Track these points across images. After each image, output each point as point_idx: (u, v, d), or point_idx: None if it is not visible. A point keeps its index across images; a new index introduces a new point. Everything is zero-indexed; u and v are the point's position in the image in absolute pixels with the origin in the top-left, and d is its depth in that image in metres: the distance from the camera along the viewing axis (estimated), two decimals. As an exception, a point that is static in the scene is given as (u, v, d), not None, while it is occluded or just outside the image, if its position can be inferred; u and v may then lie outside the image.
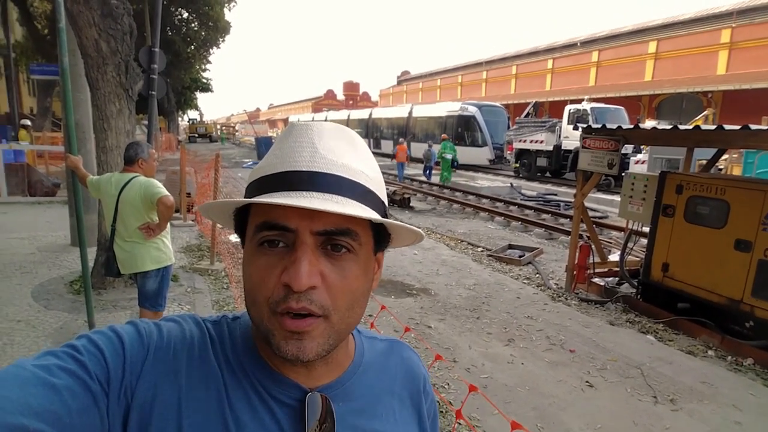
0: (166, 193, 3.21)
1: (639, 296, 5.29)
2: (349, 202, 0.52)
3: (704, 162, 7.01)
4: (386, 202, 0.60)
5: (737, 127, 4.10)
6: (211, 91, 36.96)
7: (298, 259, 0.50)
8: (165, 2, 7.62)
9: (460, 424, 2.98)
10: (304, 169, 0.52)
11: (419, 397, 0.70)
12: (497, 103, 23.82)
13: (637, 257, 6.31)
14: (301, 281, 0.49)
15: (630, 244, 5.79)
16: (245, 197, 0.57)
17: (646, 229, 5.44)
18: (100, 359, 0.50)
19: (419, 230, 0.61)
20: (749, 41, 20.69)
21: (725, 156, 11.78)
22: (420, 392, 0.70)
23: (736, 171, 11.87)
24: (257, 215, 0.54)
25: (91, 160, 5.79)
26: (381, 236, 0.59)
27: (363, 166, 0.56)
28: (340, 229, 0.52)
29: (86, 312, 3.77)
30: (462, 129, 22.12)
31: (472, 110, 21.80)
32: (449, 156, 15.83)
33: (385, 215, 0.57)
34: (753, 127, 4.01)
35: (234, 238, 7.81)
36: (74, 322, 4.12)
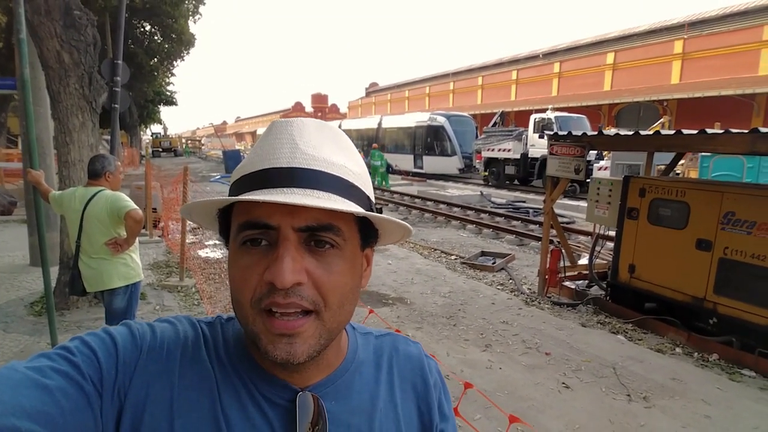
0: (135, 206, 3.11)
1: (608, 298, 5.43)
2: (331, 197, 0.52)
3: (663, 167, 7.30)
4: (372, 198, 0.59)
5: (695, 132, 4.30)
6: (176, 104, 36.24)
7: (281, 256, 0.50)
8: (127, 15, 7.44)
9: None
10: (284, 166, 0.52)
11: (424, 389, 0.68)
12: (465, 113, 24.24)
13: (605, 260, 6.49)
14: (284, 278, 0.48)
15: (598, 248, 5.95)
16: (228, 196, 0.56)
17: (612, 233, 5.61)
18: (93, 360, 0.50)
19: (406, 224, 0.60)
20: (700, 52, 21.79)
21: (681, 161, 12.33)
22: (425, 383, 0.68)
23: (693, 174, 12.41)
24: (239, 215, 0.53)
25: (51, 176, 5.58)
26: (367, 231, 0.58)
27: (346, 160, 0.55)
28: (322, 224, 0.51)
29: (49, 334, 3.60)
30: (431, 139, 22.39)
31: (441, 120, 22.11)
32: (377, 163, 17.77)
33: (371, 210, 0.56)
34: (709, 131, 4.21)
35: (203, 253, 7.63)
36: (36, 344, 3.93)
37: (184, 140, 56.29)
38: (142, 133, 41.94)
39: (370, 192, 0.58)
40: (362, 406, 0.61)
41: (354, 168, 0.56)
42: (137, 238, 3.25)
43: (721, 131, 4.19)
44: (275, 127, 0.56)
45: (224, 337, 0.59)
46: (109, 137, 7.02)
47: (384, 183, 17.83)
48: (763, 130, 3.84)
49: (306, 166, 0.52)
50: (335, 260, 0.53)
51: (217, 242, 8.45)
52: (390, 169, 19.66)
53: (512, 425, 1.92)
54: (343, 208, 0.50)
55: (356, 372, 0.63)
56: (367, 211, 0.55)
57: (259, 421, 0.55)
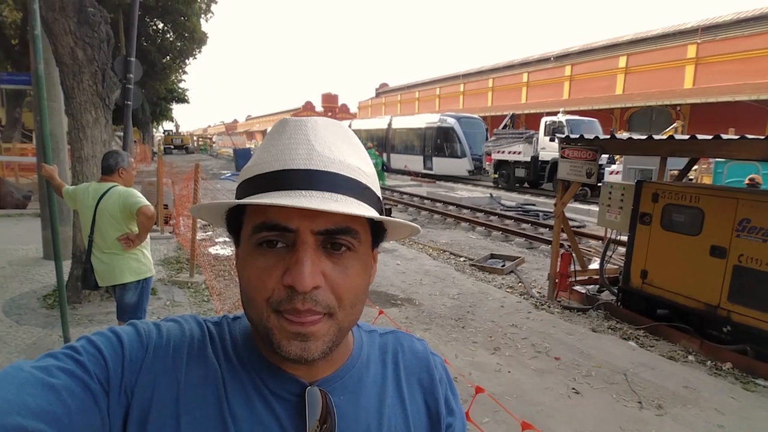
0: (147, 202, 3.13)
1: (619, 303, 5.38)
2: (348, 200, 0.52)
3: (675, 172, 7.23)
4: (381, 197, 0.59)
5: (710, 137, 4.24)
6: (188, 101, 36.56)
7: (301, 260, 0.50)
8: (140, 12, 7.51)
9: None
10: (301, 168, 0.52)
11: (431, 384, 0.68)
12: (475, 115, 24.16)
13: (616, 265, 6.43)
14: (305, 282, 0.49)
15: (609, 252, 5.89)
16: (238, 196, 0.56)
17: (624, 238, 5.55)
18: (99, 359, 0.50)
19: (416, 225, 0.61)
20: (713, 56, 21.53)
21: (695, 166, 12.21)
22: (431, 379, 0.68)
23: (706, 180, 12.27)
24: (255, 215, 0.53)
25: (65, 171, 5.64)
26: (377, 231, 0.59)
27: (359, 162, 0.55)
28: (341, 227, 0.52)
29: (61, 326, 3.63)
30: (441, 140, 22.33)
31: (451, 122, 22.04)
32: (372, 161, 19.03)
33: (380, 210, 0.57)
34: (724, 136, 4.15)
35: (214, 250, 7.67)
36: (48, 337, 3.97)
37: (195, 138, 56.78)
38: (154, 130, 42.32)
39: (378, 192, 0.59)
40: (370, 401, 0.61)
41: (366, 169, 0.56)
42: (149, 234, 3.27)
43: (736, 137, 4.13)
44: (288, 126, 0.56)
45: (231, 335, 0.59)
46: (122, 134, 7.08)
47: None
48: (782, 136, 3.78)
49: (323, 169, 0.52)
50: (350, 262, 0.54)
51: (227, 239, 8.48)
52: (384, 167, 20.65)
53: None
54: (365, 213, 0.51)
55: (363, 368, 0.63)
56: (378, 211, 0.55)
57: (267, 416, 0.55)
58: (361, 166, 0.55)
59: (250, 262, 0.53)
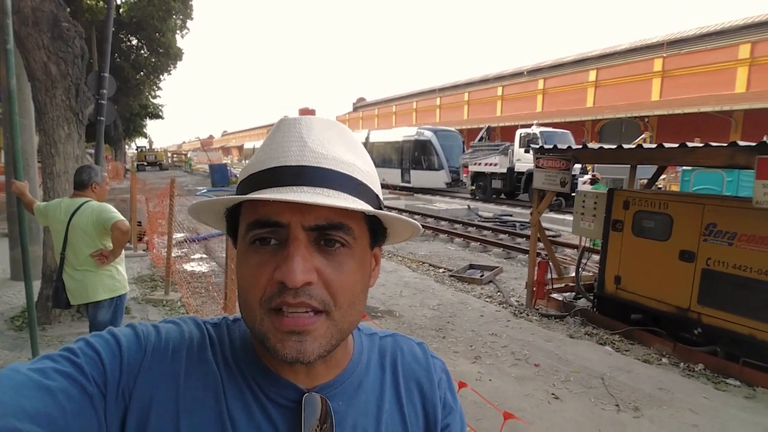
0: (121, 217, 3.08)
1: (595, 309, 5.48)
2: (341, 195, 0.51)
3: (645, 181, 7.46)
4: (380, 196, 0.59)
5: (676, 146, 4.40)
6: (162, 117, 36.06)
7: (291, 255, 0.49)
8: (114, 28, 7.46)
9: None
10: (293, 164, 0.51)
11: (430, 388, 0.67)
12: (452, 128, 24.49)
13: (591, 272, 6.56)
14: (295, 277, 0.48)
15: (584, 260, 6.02)
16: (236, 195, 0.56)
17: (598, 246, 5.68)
18: (96, 361, 0.50)
19: (416, 222, 0.60)
20: (679, 70, 22.39)
21: (663, 175, 12.60)
22: (431, 382, 0.68)
23: (675, 189, 12.67)
24: (248, 213, 0.52)
25: (35, 188, 5.50)
26: (377, 230, 0.58)
27: (355, 158, 0.55)
28: (332, 223, 0.51)
29: (30, 349, 3.51)
30: (419, 153, 22.55)
31: (428, 135, 22.30)
32: None
33: (379, 208, 0.56)
34: (690, 144, 4.32)
35: (189, 266, 7.54)
36: (17, 359, 3.82)
37: (170, 154, 56.02)
38: (126, 146, 41.55)
39: (378, 190, 0.58)
40: (369, 406, 0.60)
41: (363, 166, 0.55)
42: (123, 250, 3.21)
43: (701, 145, 4.30)
44: (283, 124, 0.56)
45: (230, 338, 0.59)
46: (93, 151, 6.95)
47: None
48: (742, 143, 3.96)
49: (315, 165, 0.51)
50: (345, 259, 0.52)
51: (204, 256, 8.36)
52: None
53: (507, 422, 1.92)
54: (353, 206, 0.50)
55: (363, 373, 0.62)
56: (376, 209, 0.54)
57: (264, 424, 0.54)
58: (357, 163, 0.54)
59: (244, 260, 0.52)
